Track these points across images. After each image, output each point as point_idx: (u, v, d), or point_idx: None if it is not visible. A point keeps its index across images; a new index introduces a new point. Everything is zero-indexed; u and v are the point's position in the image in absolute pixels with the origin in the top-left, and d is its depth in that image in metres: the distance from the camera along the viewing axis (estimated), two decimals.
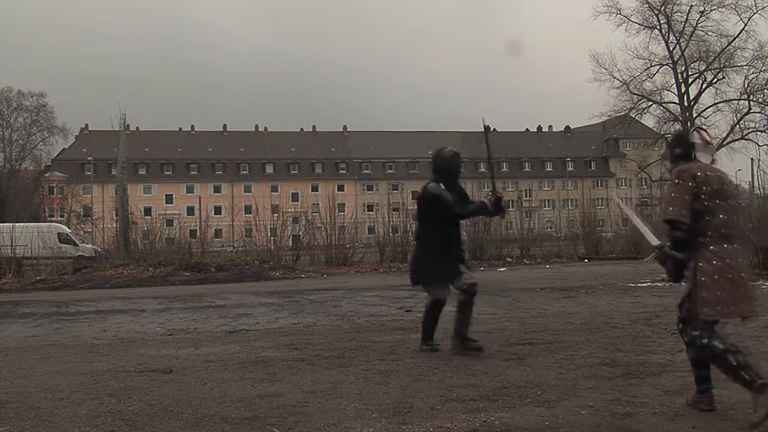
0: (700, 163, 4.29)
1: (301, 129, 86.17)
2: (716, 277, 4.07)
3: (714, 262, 4.10)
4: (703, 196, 4.16)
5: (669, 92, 50.26)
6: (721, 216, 4.16)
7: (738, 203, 4.51)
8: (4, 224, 23.58)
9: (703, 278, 4.09)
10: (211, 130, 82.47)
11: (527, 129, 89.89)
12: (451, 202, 6.25)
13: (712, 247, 4.13)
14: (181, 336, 8.15)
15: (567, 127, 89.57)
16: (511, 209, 38.02)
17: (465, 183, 7.03)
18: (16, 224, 22.12)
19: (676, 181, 4.24)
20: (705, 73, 48.97)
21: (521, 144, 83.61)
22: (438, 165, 6.47)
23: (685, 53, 48.83)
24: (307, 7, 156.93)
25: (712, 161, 4.43)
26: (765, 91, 47.05)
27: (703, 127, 4.87)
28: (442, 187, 6.33)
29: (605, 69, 49.09)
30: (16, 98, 63.93)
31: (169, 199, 72.58)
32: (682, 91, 49.60)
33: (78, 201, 61.27)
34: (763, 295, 10.53)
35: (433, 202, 6.32)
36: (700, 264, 4.14)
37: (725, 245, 4.13)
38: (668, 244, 4.23)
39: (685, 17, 48.18)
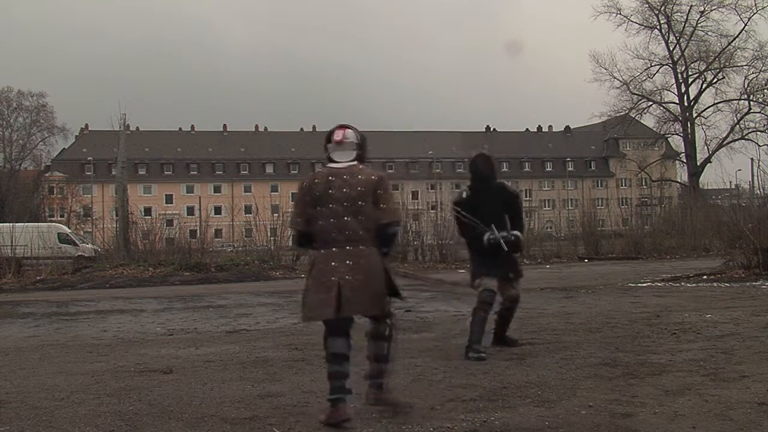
0: (322, 170, 4.38)
1: (301, 129, 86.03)
2: (311, 282, 4.26)
3: (312, 268, 4.32)
4: (309, 204, 4.29)
5: (669, 92, 50.42)
6: (321, 222, 4.25)
7: (361, 201, 4.22)
8: (4, 224, 23.57)
9: (308, 282, 4.32)
10: (211, 130, 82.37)
11: (527, 129, 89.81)
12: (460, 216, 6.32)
13: (314, 254, 4.33)
14: (181, 336, 8.15)
15: (567, 127, 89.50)
16: None
17: (462, 183, 7.08)
18: (16, 224, 22.12)
19: (297, 190, 4.44)
20: (705, 73, 49.06)
21: (521, 144, 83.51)
22: (469, 168, 6.57)
23: (685, 53, 48.91)
24: (308, 6, 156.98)
25: (356, 158, 4.35)
26: (765, 91, 47.20)
27: (345, 123, 4.45)
28: (464, 194, 6.45)
29: (605, 69, 49.26)
30: (16, 98, 64.21)
31: (169, 199, 72.48)
32: (682, 91, 49.69)
33: (78, 201, 61.26)
34: (762, 295, 10.59)
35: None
36: (308, 270, 4.40)
37: (322, 251, 4.25)
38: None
39: (685, 17, 48.31)
